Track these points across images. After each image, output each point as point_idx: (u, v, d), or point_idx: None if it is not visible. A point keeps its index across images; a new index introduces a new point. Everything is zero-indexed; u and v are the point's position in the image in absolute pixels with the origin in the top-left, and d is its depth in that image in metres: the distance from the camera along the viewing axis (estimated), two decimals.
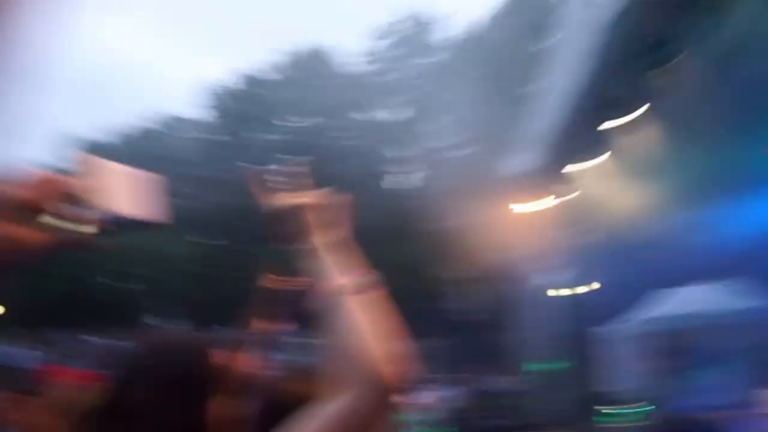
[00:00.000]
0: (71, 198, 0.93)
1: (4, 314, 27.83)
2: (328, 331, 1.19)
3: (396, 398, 1.14)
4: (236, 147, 42.32)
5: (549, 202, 16.95)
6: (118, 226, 0.97)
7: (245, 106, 44.10)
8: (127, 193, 0.98)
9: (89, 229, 0.95)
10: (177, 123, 45.98)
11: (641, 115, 11.28)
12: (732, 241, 22.25)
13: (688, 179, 15.23)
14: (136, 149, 40.16)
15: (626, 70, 10.13)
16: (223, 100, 44.84)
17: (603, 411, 13.95)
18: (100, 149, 41.18)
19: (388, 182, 43.56)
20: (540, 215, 17.81)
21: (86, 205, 0.93)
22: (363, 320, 1.18)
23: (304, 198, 1.38)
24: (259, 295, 3.05)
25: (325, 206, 1.38)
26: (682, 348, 15.07)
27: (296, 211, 1.36)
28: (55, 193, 0.92)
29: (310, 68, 45.01)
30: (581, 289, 31.52)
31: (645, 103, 10.75)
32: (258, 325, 2.86)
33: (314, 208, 1.36)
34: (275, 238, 1.37)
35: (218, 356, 1.30)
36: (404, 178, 46.75)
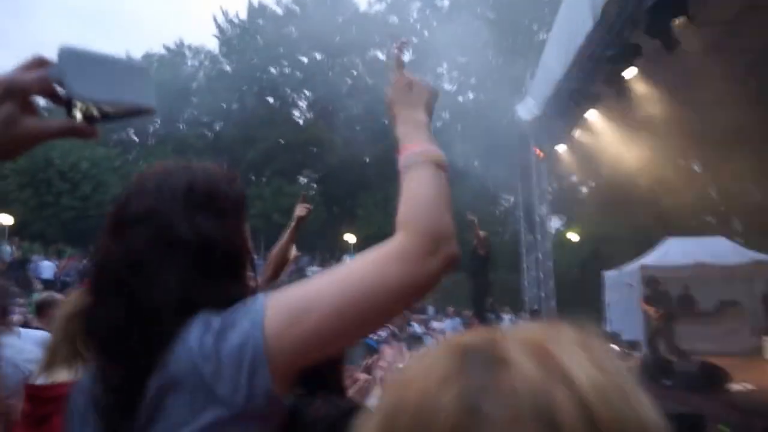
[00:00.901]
0: (61, 85, 0.93)
1: (16, 225, 28.45)
2: (402, 190, 1.25)
3: (439, 273, 1.14)
4: (243, 78, 42.07)
5: (558, 149, 16.90)
6: (108, 113, 0.98)
7: (254, 38, 43.67)
8: (113, 81, 0.97)
9: (80, 115, 0.95)
10: (186, 51, 45.61)
11: (639, 73, 11.37)
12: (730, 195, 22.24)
13: (687, 134, 15.28)
14: None
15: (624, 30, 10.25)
16: (232, 31, 44.33)
17: None
18: None
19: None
20: (549, 161, 17.79)
21: (76, 92, 0.92)
22: (433, 185, 1.25)
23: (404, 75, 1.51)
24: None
25: (413, 85, 1.49)
26: (684, 296, 15.19)
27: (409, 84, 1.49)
28: (47, 79, 0.93)
29: (319, 4, 44.41)
30: (586, 234, 31.72)
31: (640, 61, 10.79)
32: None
33: (407, 84, 1.48)
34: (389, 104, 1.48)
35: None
36: None
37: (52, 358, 2.47)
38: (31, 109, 0.94)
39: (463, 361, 0.52)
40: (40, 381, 2.47)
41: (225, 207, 1.24)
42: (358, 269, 1.11)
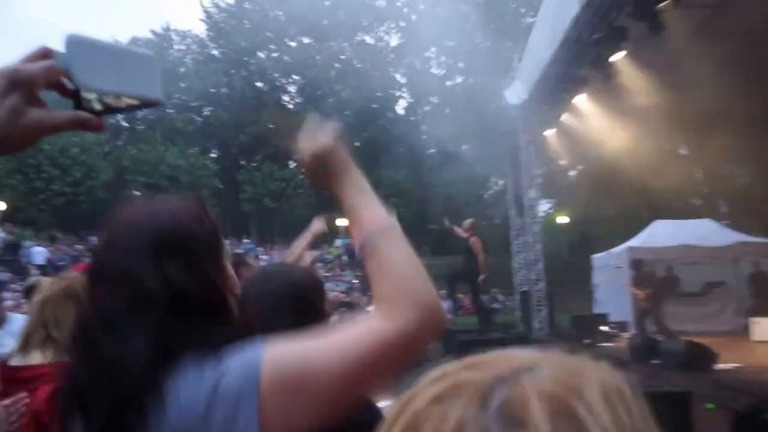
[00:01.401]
0: (67, 76, 0.92)
1: (7, 211, 28.36)
2: (374, 267, 1.20)
3: (436, 334, 1.16)
4: (231, 62, 41.81)
5: (547, 133, 16.97)
6: (114, 105, 0.97)
7: (241, 22, 43.33)
8: (121, 72, 0.97)
9: (87, 107, 0.95)
10: (174, 35, 45.22)
11: (626, 56, 11.43)
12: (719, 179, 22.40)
13: (673, 117, 15.40)
14: None
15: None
16: (220, 15, 43.95)
17: (596, 331, 14.33)
18: None
19: (383, 106, 43.21)
20: (537, 145, 17.85)
21: (84, 83, 0.92)
22: (404, 254, 1.21)
23: (320, 144, 1.32)
24: None
25: (336, 150, 1.32)
26: (672, 277, 15.33)
27: (319, 158, 1.33)
28: (53, 69, 0.91)
29: None
30: (575, 217, 31.83)
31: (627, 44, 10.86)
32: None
33: (329, 153, 1.32)
34: (311, 184, 1.40)
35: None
36: (399, 102, 46.60)
37: (27, 341, 2.51)
38: (37, 101, 0.92)
39: (482, 413, 0.47)
40: (14, 362, 2.50)
41: (197, 249, 1.19)
42: (356, 340, 1.08)
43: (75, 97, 0.94)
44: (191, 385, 1.03)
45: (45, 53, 0.92)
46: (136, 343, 1.06)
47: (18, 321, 4.13)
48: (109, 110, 0.97)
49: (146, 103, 1.01)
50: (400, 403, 0.52)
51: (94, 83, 0.93)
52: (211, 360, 1.06)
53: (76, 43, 0.92)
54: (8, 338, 3.81)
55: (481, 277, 12.56)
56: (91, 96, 0.94)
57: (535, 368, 0.50)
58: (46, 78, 0.91)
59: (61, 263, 25.66)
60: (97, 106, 0.95)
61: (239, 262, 3.45)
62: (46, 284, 2.64)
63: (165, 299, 1.10)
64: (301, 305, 1.77)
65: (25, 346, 2.51)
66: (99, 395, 1.04)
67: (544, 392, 0.47)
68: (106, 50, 0.96)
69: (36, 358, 2.44)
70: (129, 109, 1.01)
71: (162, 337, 1.07)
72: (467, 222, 12.42)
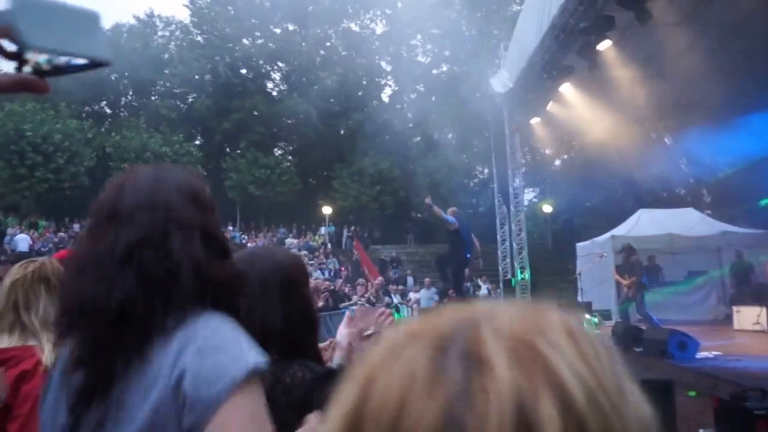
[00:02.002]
0: (10, 36, 0.86)
1: None
2: None
3: None
4: (216, 49, 41.48)
5: (532, 121, 16.99)
6: (59, 66, 0.92)
7: (225, 8, 42.96)
8: (67, 30, 0.91)
9: (30, 69, 0.89)
10: (157, 21, 44.75)
11: (613, 45, 11.45)
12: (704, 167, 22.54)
13: (658, 107, 15.46)
14: (116, 46, 39.24)
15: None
16: (203, 1, 43.51)
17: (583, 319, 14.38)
18: None
19: (368, 93, 43.07)
20: (523, 134, 17.87)
21: (30, 42, 0.86)
22: None
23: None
24: None
25: None
26: (655, 266, 15.45)
27: None
28: None
29: None
30: (559, 206, 31.95)
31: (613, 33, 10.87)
32: None
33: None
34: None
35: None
36: (385, 89, 46.51)
37: None
38: None
39: (444, 359, 0.45)
40: None
41: (207, 204, 1.36)
42: None
43: (17, 58, 0.88)
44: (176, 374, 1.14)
45: None
46: (183, 257, 1.23)
47: None
48: (56, 72, 0.92)
49: (94, 63, 0.96)
50: (360, 358, 0.51)
51: (39, 42, 0.87)
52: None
53: (18, 1, 0.86)
54: None
55: (477, 262, 12.54)
56: (36, 57, 0.89)
57: (495, 314, 0.49)
58: None
59: (45, 250, 25.55)
60: (44, 67, 0.90)
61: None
62: (16, 267, 2.60)
63: (198, 230, 1.29)
64: (286, 288, 1.79)
65: None
66: (133, 308, 1.18)
67: (503, 331, 0.47)
68: (51, 7, 0.90)
69: (3, 341, 2.41)
70: (76, 70, 0.95)
71: (198, 260, 1.25)
72: (450, 210, 12.40)
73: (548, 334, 0.47)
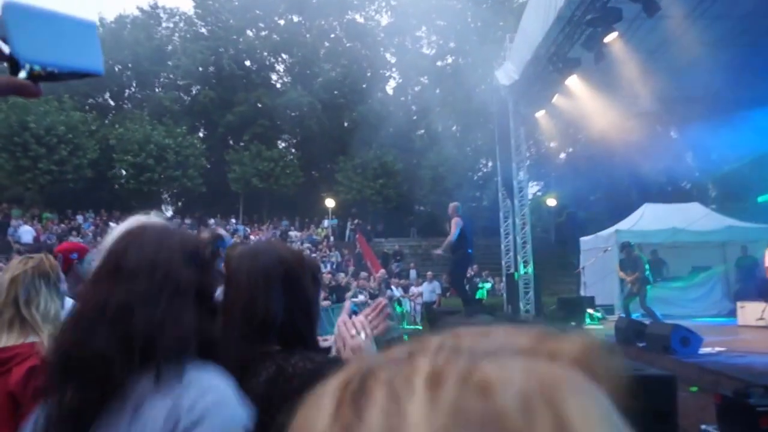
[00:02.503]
0: (5, 43, 0.87)
1: None
2: None
3: None
4: (219, 40, 41.42)
5: (537, 114, 16.91)
6: (52, 73, 0.92)
7: (229, 0, 42.89)
8: (60, 43, 0.91)
9: (25, 74, 0.89)
10: (161, 13, 44.69)
11: (619, 38, 11.38)
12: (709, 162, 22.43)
13: (664, 100, 15.38)
14: (119, 37, 39.24)
15: None
16: None
17: (586, 313, 14.38)
18: None
19: (372, 85, 42.98)
20: (527, 127, 17.80)
21: (22, 55, 0.86)
22: None
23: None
24: None
25: None
26: (658, 260, 15.40)
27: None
28: None
29: None
30: (564, 200, 31.87)
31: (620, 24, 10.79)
32: None
33: None
34: None
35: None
36: (389, 81, 46.41)
37: None
38: None
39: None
40: None
41: (205, 264, 1.47)
42: None
43: (11, 61, 0.87)
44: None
45: None
46: (177, 322, 1.32)
47: None
48: (49, 77, 0.91)
49: (86, 74, 0.96)
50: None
51: (32, 56, 0.87)
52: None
53: (13, 10, 0.86)
54: None
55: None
56: (27, 61, 0.88)
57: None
58: None
59: (49, 242, 25.59)
60: (38, 72, 0.89)
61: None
62: (15, 262, 2.60)
63: (192, 292, 1.38)
64: (288, 281, 1.85)
65: None
66: (113, 364, 1.24)
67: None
68: (46, 19, 0.90)
69: (2, 338, 2.41)
70: (69, 77, 0.95)
71: (191, 322, 1.35)
72: (451, 205, 12.31)
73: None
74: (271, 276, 1.82)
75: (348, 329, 1.97)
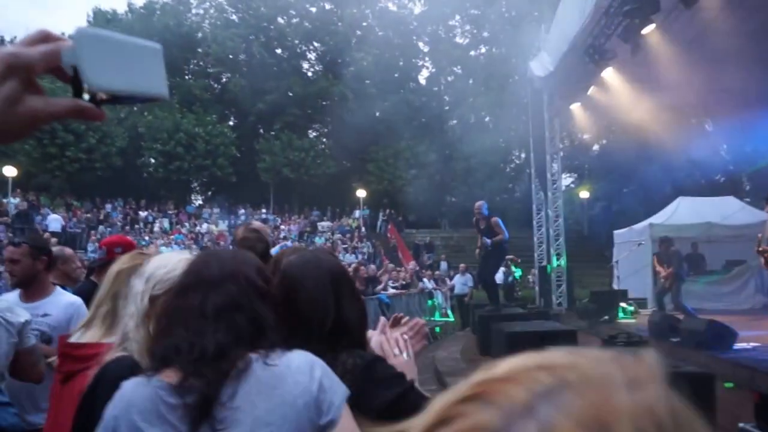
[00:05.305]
0: (67, 64, 0.88)
1: (20, 177, 28.56)
2: None
3: None
4: (250, 28, 41.46)
5: (572, 106, 16.75)
6: (115, 97, 0.94)
7: None
8: (128, 68, 0.93)
9: (88, 96, 0.90)
10: None
11: (656, 29, 11.23)
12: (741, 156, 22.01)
13: (700, 92, 15.14)
14: (148, 23, 39.45)
15: None
16: None
17: (618, 307, 14.28)
18: (112, 23, 40.76)
19: (404, 75, 42.80)
20: (562, 118, 17.66)
21: (93, 82, 0.87)
22: None
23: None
24: None
25: None
26: (692, 254, 15.22)
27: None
28: (53, 55, 0.87)
29: None
30: (597, 192, 31.61)
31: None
32: None
33: None
34: None
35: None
36: (422, 71, 46.19)
37: (94, 313, 2.50)
38: (35, 87, 0.88)
39: None
40: (74, 338, 2.50)
41: (268, 278, 1.79)
42: None
43: (74, 82, 0.89)
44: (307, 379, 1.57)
45: (44, 37, 0.88)
46: (267, 319, 1.66)
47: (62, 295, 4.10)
48: (112, 100, 0.93)
49: (150, 98, 0.99)
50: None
51: (101, 83, 0.89)
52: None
53: (85, 37, 0.88)
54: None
55: (487, 243, 12.36)
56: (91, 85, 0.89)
57: (555, 396, 0.42)
58: (46, 64, 0.87)
59: (77, 231, 25.89)
60: (101, 96, 0.91)
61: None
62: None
63: (271, 298, 1.75)
64: (347, 286, 1.99)
65: (90, 319, 2.51)
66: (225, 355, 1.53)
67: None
68: (115, 46, 0.92)
69: (95, 334, 2.43)
70: (132, 101, 0.97)
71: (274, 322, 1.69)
72: (478, 204, 12.10)
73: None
74: (340, 281, 1.96)
75: (391, 348, 2.05)
